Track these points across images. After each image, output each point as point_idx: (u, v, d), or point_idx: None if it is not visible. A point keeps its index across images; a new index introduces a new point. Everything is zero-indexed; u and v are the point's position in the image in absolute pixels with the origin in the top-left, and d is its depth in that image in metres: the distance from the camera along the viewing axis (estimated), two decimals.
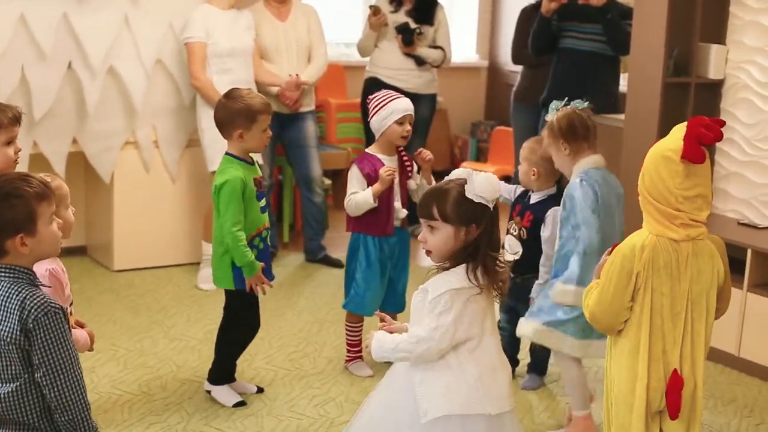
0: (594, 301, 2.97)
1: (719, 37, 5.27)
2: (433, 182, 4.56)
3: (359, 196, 4.38)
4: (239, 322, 4.21)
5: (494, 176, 2.96)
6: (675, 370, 2.92)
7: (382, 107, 4.38)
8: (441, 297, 2.86)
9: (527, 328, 3.97)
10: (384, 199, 4.41)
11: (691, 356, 2.93)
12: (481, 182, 2.88)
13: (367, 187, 4.38)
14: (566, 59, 5.97)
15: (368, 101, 4.50)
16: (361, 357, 4.63)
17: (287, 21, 6.16)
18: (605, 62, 5.92)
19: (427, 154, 4.47)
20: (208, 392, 4.23)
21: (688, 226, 2.88)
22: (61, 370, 2.45)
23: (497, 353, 2.97)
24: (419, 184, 4.53)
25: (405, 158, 4.53)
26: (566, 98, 3.98)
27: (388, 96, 4.43)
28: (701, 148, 2.83)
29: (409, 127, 4.42)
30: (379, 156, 4.44)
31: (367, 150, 4.54)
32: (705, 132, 2.82)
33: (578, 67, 5.91)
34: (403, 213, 4.50)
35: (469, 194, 2.86)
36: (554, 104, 3.94)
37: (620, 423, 2.99)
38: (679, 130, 2.88)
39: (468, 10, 9.22)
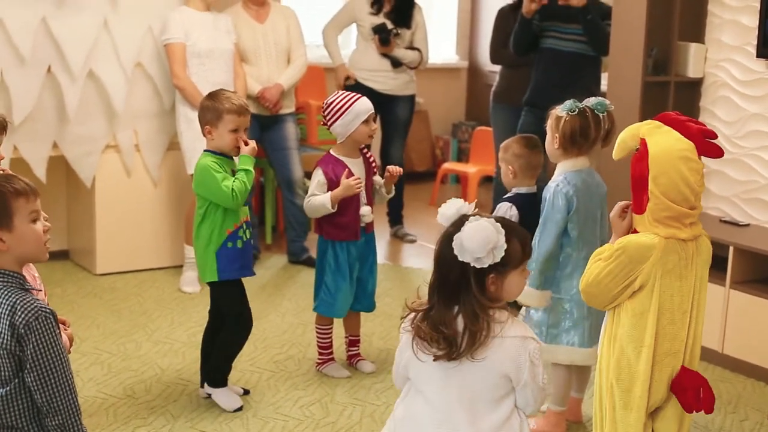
0: (590, 278, 2.98)
1: (698, 36, 5.30)
2: (393, 192, 4.57)
3: (317, 199, 4.30)
4: (230, 318, 4.16)
5: None
6: (684, 368, 2.95)
7: (345, 111, 4.29)
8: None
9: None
10: (351, 205, 4.37)
11: (690, 353, 2.99)
12: None
13: (327, 191, 4.31)
14: (548, 60, 5.95)
15: (324, 107, 4.36)
16: (333, 359, 4.62)
17: (266, 23, 6.15)
18: (587, 63, 5.92)
19: (396, 171, 4.45)
20: (208, 396, 4.19)
21: (694, 224, 2.93)
22: (52, 374, 2.44)
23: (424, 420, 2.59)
24: (378, 190, 4.53)
25: (369, 157, 4.50)
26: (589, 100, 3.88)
27: (348, 99, 4.33)
28: (713, 142, 2.88)
29: (374, 125, 4.41)
30: (344, 159, 4.38)
31: (331, 151, 4.43)
32: (703, 127, 2.89)
33: (560, 68, 5.90)
34: (371, 217, 4.46)
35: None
36: (570, 104, 3.82)
37: (618, 419, 3.00)
38: (666, 133, 2.88)
39: (447, 11, 9.24)
